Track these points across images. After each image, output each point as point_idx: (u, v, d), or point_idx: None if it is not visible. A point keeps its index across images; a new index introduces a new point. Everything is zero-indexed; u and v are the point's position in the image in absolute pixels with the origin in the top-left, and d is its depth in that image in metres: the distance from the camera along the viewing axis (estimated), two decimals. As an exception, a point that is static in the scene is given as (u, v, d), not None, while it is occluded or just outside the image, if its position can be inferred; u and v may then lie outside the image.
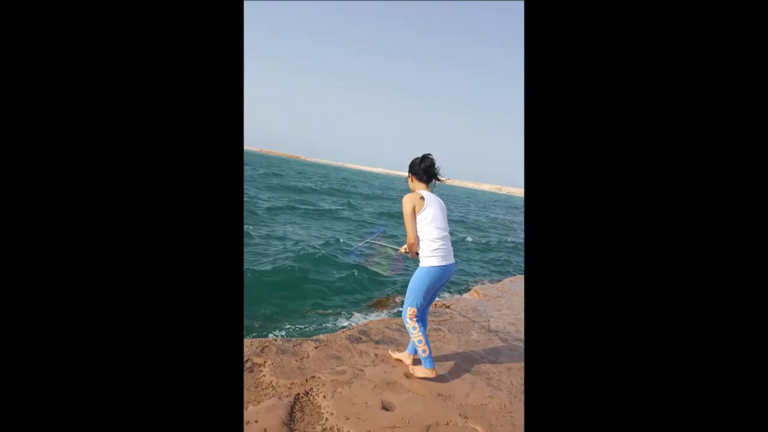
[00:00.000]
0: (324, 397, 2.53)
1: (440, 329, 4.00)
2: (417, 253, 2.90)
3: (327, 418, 2.33)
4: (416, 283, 2.85)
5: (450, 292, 6.86)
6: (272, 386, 2.59)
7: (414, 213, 2.81)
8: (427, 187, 2.93)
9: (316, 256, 7.99)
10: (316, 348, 3.19)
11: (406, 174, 3.00)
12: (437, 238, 2.80)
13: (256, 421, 2.18)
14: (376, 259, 3.64)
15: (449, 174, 3.03)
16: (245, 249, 7.88)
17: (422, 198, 2.82)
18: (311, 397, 2.53)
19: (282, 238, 9.74)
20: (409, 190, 2.96)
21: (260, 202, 15.66)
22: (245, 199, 14.18)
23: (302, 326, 4.82)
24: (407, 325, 2.88)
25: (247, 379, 2.63)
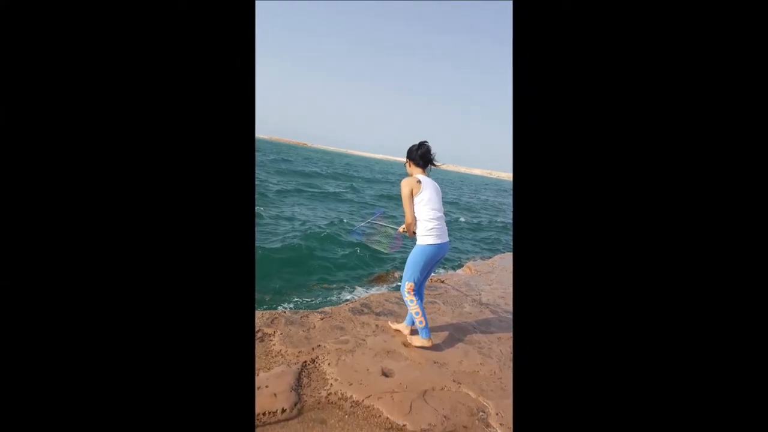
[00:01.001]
0: (329, 364, 2.53)
1: (435, 302, 4.00)
2: (414, 232, 2.90)
3: (332, 384, 2.33)
4: (413, 260, 2.85)
5: (444, 268, 6.86)
6: (281, 354, 2.59)
7: (411, 195, 2.80)
8: (424, 171, 2.91)
9: (322, 235, 7.97)
10: (322, 319, 3.19)
11: (405, 160, 2.98)
12: (433, 219, 2.79)
13: (266, 386, 2.18)
14: (376, 238, 3.63)
15: (444, 160, 3.02)
16: (257, 228, 7.87)
17: (419, 181, 2.81)
18: (317, 365, 2.53)
19: (290, 219, 9.71)
20: (407, 175, 2.94)
21: (270, 185, 15.60)
22: (257, 182, 14.13)
23: (309, 299, 4.82)
24: (405, 299, 2.87)
25: (259, 348, 2.64)
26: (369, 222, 3.73)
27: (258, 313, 3.14)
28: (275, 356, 2.57)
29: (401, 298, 3.81)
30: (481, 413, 2.27)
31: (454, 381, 2.56)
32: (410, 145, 2.92)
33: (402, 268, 3.51)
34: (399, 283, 4.80)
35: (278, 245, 6.89)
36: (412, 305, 2.85)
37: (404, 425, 2.05)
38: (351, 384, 2.34)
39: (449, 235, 2.96)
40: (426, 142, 2.90)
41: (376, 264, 6.79)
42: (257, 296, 4.58)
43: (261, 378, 2.27)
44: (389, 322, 3.29)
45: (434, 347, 2.94)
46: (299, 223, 9.28)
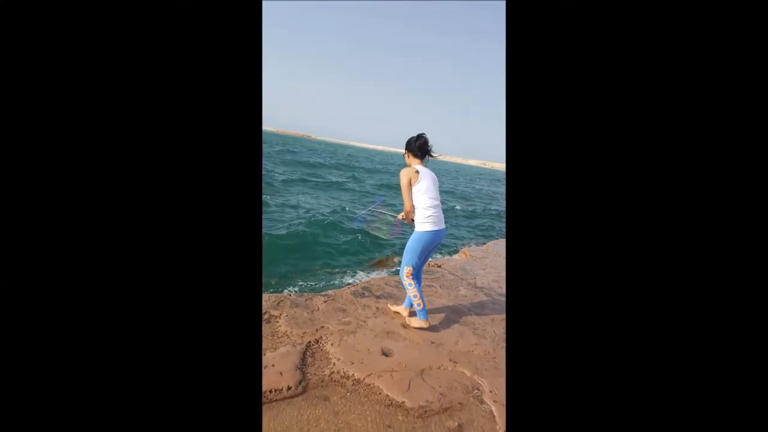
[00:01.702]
0: (332, 344, 2.54)
1: (433, 286, 4.00)
2: (412, 220, 2.89)
3: (334, 363, 2.34)
4: (412, 246, 2.84)
5: (441, 254, 6.86)
6: (287, 335, 2.59)
7: (410, 185, 2.79)
8: (422, 162, 2.89)
9: (325, 222, 7.97)
10: (325, 302, 3.19)
11: (404, 151, 2.96)
12: (430, 207, 2.78)
13: (272, 366, 2.18)
14: (377, 225, 3.62)
15: (440, 151, 3.01)
16: (264, 216, 7.86)
17: (417, 172, 2.79)
18: (321, 345, 2.53)
19: (295, 207, 9.71)
20: (406, 165, 2.92)
21: (276, 175, 15.57)
22: (263, 172, 14.09)
23: (313, 283, 4.83)
24: (404, 282, 2.87)
25: (265, 329, 2.64)
26: (370, 210, 3.72)
27: (265, 296, 3.14)
28: (281, 337, 2.57)
29: (400, 282, 3.81)
30: (475, 391, 2.28)
31: (450, 360, 2.56)
32: (409, 137, 2.90)
33: (401, 254, 3.50)
34: (398, 268, 4.82)
35: (284, 232, 6.89)
36: (411, 288, 2.84)
37: (403, 402, 2.06)
38: (353, 363, 2.35)
39: (446, 222, 2.95)
40: (424, 134, 2.87)
41: (376, 249, 6.80)
42: (264, 280, 4.59)
43: (268, 357, 2.27)
44: (389, 304, 3.29)
45: (431, 328, 2.95)
46: (304, 210, 9.28)
